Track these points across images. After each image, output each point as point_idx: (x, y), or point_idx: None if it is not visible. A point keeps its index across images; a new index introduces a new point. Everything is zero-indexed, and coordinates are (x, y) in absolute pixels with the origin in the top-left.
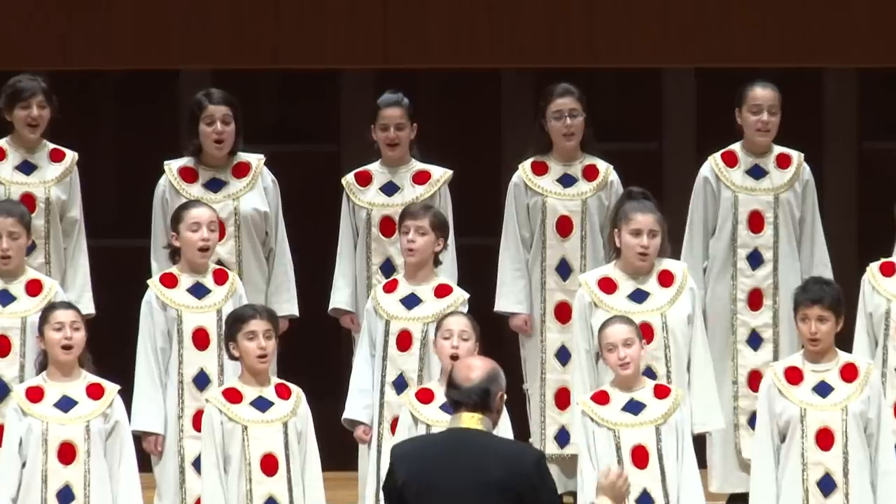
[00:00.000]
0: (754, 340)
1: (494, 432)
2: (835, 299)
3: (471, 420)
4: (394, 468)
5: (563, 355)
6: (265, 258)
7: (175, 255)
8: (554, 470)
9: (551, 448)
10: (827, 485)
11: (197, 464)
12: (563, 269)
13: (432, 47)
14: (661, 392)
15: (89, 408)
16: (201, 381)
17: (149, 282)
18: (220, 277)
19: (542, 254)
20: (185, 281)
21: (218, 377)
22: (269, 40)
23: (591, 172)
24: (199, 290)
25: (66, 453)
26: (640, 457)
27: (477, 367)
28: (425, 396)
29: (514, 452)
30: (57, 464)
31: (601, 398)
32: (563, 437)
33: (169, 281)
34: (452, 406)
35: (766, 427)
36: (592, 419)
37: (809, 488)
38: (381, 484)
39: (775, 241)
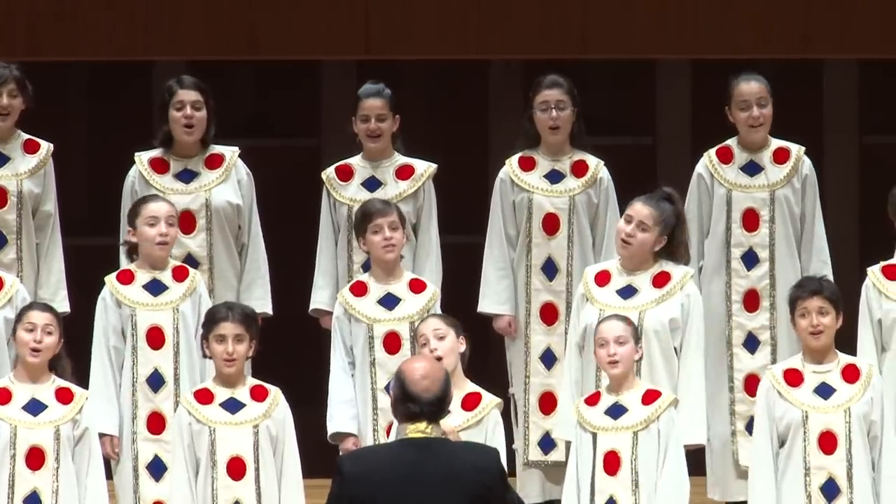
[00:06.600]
0: (751, 343)
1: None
2: (834, 292)
3: (427, 429)
4: (346, 487)
5: (548, 358)
6: (238, 253)
7: (132, 252)
8: (538, 476)
9: (535, 454)
10: (830, 490)
11: (151, 467)
12: (549, 269)
13: (417, 37)
14: (650, 397)
15: (59, 412)
16: (155, 381)
17: (105, 278)
18: (180, 274)
19: (527, 253)
20: (142, 277)
21: (174, 378)
22: (246, 30)
23: (580, 168)
24: (155, 287)
25: (35, 458)
26: (611, 463)
27: (431, 376)
28: None
29: (478, 455)
30: (25, 469)
31: (592, 400)
32: (546, 443)
33: (125, 277)
34: (406, 417)
35: (765, 432)
36: (580, 422)
37: (812, 494)
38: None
39: (771, 240)
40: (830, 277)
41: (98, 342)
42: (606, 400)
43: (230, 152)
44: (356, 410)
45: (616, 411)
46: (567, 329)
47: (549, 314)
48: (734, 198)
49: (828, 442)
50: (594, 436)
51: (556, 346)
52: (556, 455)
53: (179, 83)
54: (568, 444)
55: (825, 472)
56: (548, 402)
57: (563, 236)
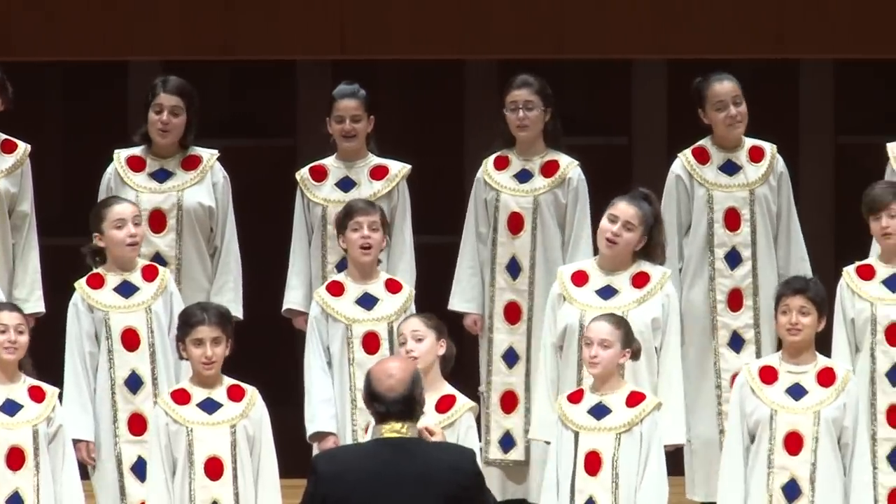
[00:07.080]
0: (736, 342)
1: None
2: (818, 294)
3: (402, 429)
4: (321, 486)
5: (510, 357)
6: (210, 256)
7: (96, 256)
8: (497, 476)
9: (495, 453)
10: (792, 490)
11: (136, 468)
12: (513, 268)
13: (392, 37)
14: (634, 399)
15: (35, 412)
16: (133, 383)
17: (76, 284)
18: (150, 274)
19: (493, 252)
20: (112, 280)
21: (151, 378)
22: (221, 30)
23: (549, 168)
24: (126, 289)
25: (15, 459)
26: (592, 463)
27: (397, 375)
28: None
29: (453, 455)
30: (6, 470)
31: (575, 397)
32: (507, 442)
33: (95, 281)
34: (376, 417)
35: (736, 428)
36: (562, 419)
37: (774, 493)
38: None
39: (753, 239)
40: (809, 272)
41: (71, 349)
42: (589, 399)
43: (208, 155)
44: (336, 410)
45: (599, 412)
46: (529, 328)
47: (512, 313)
48: (715, 198)
49: (793, 443)
50: (576, 434)
51: (518, 345)
52: (516, 454)
53: (164, 85)
54: (528, 443)
55: (788, 473)
56: (509, 401)
57: (527, 236)
